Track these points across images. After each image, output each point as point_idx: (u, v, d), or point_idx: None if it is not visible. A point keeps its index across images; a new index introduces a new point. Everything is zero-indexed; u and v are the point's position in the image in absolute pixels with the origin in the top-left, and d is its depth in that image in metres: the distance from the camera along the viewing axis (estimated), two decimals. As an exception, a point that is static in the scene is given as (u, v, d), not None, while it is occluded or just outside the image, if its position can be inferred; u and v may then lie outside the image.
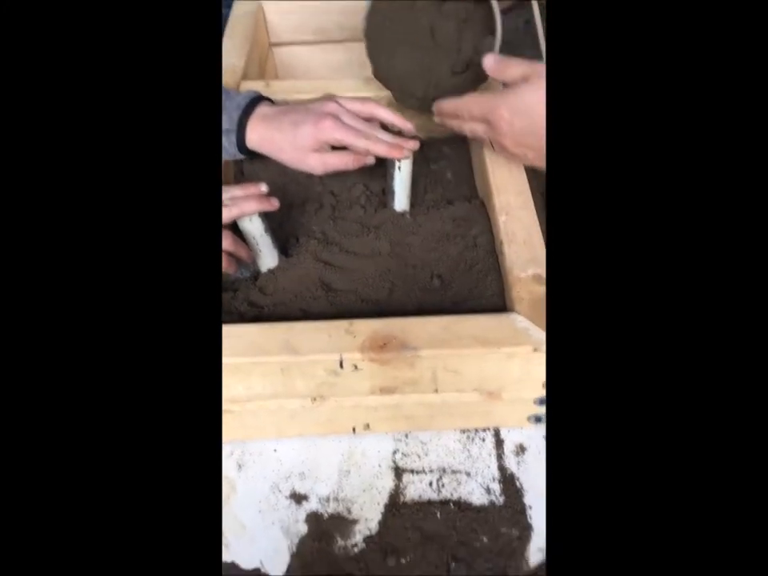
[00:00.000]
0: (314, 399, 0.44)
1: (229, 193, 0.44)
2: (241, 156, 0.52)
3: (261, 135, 0.50)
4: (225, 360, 0.40)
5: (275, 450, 0.48)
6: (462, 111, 0.48)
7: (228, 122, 0.50)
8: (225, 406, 0.44)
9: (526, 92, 0.43)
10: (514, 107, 0.43)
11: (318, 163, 0.50)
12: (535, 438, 0.48)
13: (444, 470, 0.47)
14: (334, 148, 0.50)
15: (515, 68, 0.45)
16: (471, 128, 0.49)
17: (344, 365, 0.40)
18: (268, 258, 0.49)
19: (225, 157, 0.53)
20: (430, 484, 0.46)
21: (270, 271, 0.49)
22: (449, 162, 0.60)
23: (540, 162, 0.46)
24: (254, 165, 0.56)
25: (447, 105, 0.50)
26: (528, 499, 0.45)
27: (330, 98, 0.51)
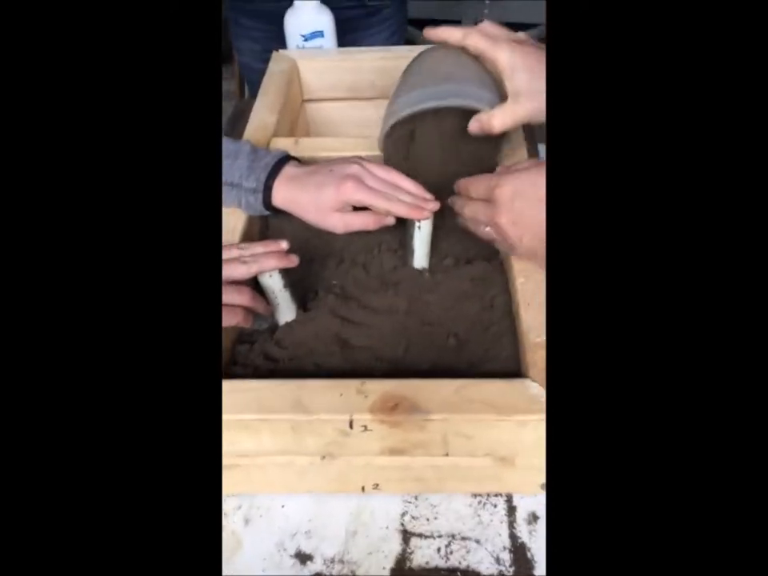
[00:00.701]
0: (324, 457, 0.43)
1: (250, 250, 0.45)
2: (266, 213, 0.54)
3: (285, 195, 0.52)
4: (235, 416, 0.40)
5: (283, 506, 0.48)
6: (470, 189, 0.48)
7: (255, 181, 0.52)
8: (233, 460, 0.44)
9: (530, 173, 0.44)
10: (517, 185, 0.44)
11: (340, 223, 0.51)
12: (549, 508, 0.47)
13: (453, 536, 0.46)
14: (356, 208, 0.51)
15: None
16: (473, 210, 0.48)
17: (353, 425, 0.40)
18: (286, 311, 0.49)
19: (251, 212, 0.55)
20: (438, 550, 0.45)
21: (288, 324, 0.50)
22: None
23: (533, 247, 0.45)
24: (279, 219, 0.57)
25: (462, 182, 0.51)
26: (539, 570, 0.43)
27: (353, 160, 0.52)
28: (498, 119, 0.52)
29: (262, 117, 0.68)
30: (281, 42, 0.88)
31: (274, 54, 0.79)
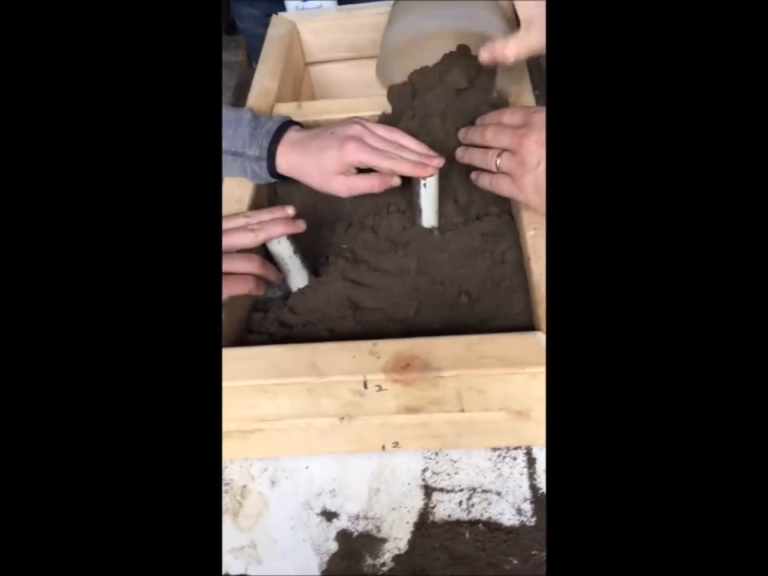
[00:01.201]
0: (342, 418, 0.44)
1: (256, 217, 0.45)
2: (273, 180, 0.54)
3: (289, 161, 0.51)
4: (253, 381, 0.41)
5: (307, 467, 0.49)
6: (489, 138, 0.47)
7: (258, 149, 0.52)
8: (255, 424, 0.45)
9: None
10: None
11: (344, 186, 0.50)
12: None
13: (474, 490, 0.46)
14: (360, 170, 0.51)
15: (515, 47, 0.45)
16: (497, 136, 0.46)
17: (368, 385, 0.41)
18: (297, 278, 0.50)
19: (257, 181, 0.54)
20: (460, 503, 0.46)
21: (300, 291, 0.50)
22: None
23: (543, 180, 0.43)
24: (287, 186, 0.57)
25: (473, 131, 0.49)
26: (561, 521, 0.44)
27: (354, 120, 0.52)
28: (511, 48, 0.48)
29: (263, 83, 0.67)
30: (280, 6, 0.86)
31: (273, 18, 0.78)
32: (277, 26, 0.77)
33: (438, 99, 0.53)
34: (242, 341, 0.48)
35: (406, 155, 0.49)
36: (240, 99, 0.94)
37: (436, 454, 0.48)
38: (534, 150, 0.43)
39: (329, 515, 0.46)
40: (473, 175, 0.50)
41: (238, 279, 0.43)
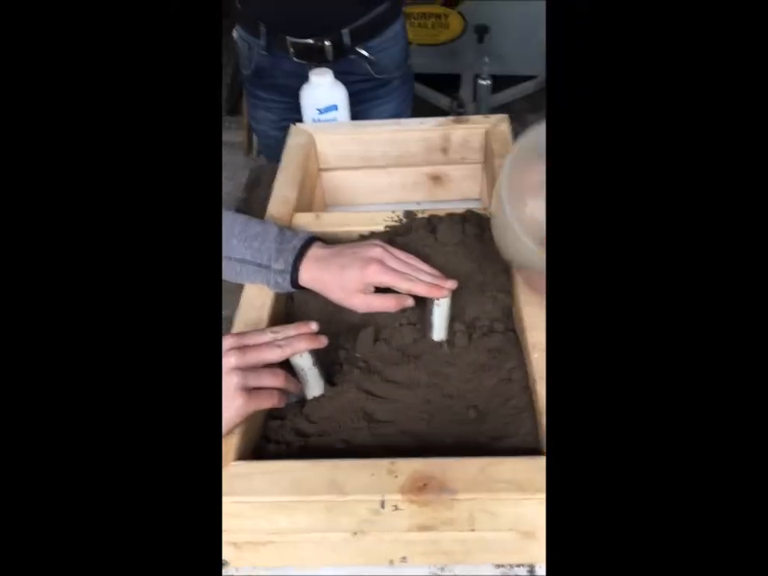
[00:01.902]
0: (355, 533, 0.45)
1: (283, 333, 0.48)
2: (293, 290, 0.57)
3: (312, 275, 0.55)
4: (272, 498, 0.42)
5: (314, 579, 0.49)
6: None
7: (284, 263, 0.55)
8: (268, 537, 0.46)
9: None
10: None
11: (363, 304, 0.54)
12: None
13: (480, 608, 0.47)
14: (378, 288, 0.55)
15: None
16: None
17: (385, 505, 0.42)
18: (314, 387, 0.52)
19: (278, 290, 0.58)
20: (466, 623, 0.46)
21: (316, 399, 0.52)
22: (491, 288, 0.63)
23: None
24: (303, 294, 0.60)
25: None
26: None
27: (375, 243, 0.56)
28: None
29: (283, 192, 0.71)
30: (295, 112, 0.93)
31: (292, 128, 0.84)
32: (295, 135, 0.82)
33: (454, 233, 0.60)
34: (259, 449, 0.49)
35: (422, 277, 0.53)
36: (252, 193, 1.00)
37: (442, 569, 0.49)
38: None
39: (336, 632, 0.46)
40: None
41: (265, 393, 0.45)
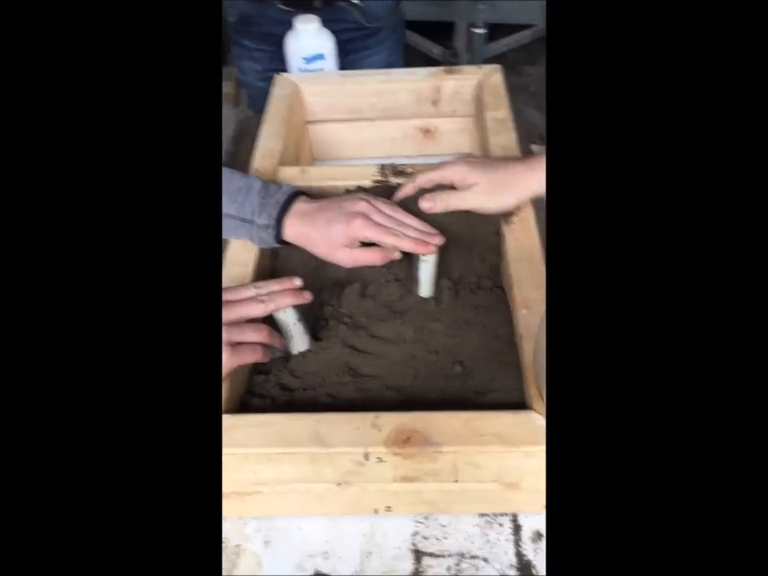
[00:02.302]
0: (340, 484, 0.46)
1: (266, 288, 0.47)
2: (278, 246, 0.56)
3: (296, 231, 0.54)
4: (258, 449, 0.43)
5: (299, 528, 0.50)
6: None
7: (267, 218, 0.54)
8: (254, 487, 0.46)
9: None
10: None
11: (348, 258, 0.53)
12: (552, 526, 0.49)
13: (462, 555, 0.48)
14: (364, 243, 0.54)
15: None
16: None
17: (369, 457, 0.43)
18: (299, 342, 0.52)
19: (263, 246, 0.57)
20: (449, 569, 0.48)
21: (301, 354, 0.52)
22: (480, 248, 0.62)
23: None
24: (288, 250, 0.60)
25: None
26: (544, 589, 0.46)
27: (360, 197, 0.55)
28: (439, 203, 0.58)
29: (268, 144, 0.70)
30: (282, 63, 0.90)
31: (277, 78, 0.81)
32: (280, 86, 0.80)
33: None
34: (244, 403, 0.49)
35: (409, 232, 0.52)
36: (238, 147, 0.97)
37: (426, 518, 0.50)
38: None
39: (321, 578, 0.47)
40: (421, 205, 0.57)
41: (248, 349, 0.45)
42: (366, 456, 0.42)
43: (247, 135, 1.01)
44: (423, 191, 0.58)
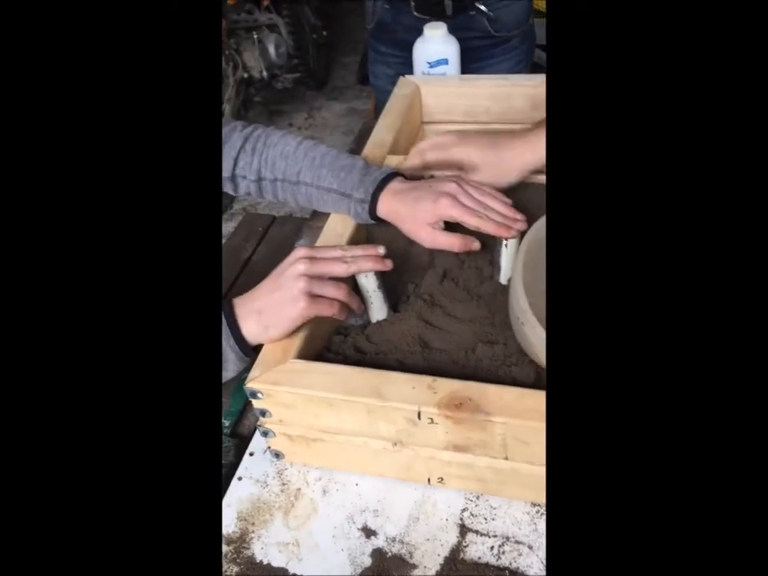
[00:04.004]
0: (395, 444, 0.48)
1: (351, 251, 0.51)
2: (371, 222, 0.60)
3: (388, 207, 0.58)
4: (322, 393, 0.46)
5: (357, 484, 0.53)
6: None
7: (364, 193, 0.59)
8: (318, 434, 0.50)
9: None
10: None
11: (429, 237, 0.56)
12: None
13: (507, 538, 0.48)
14: (450, 226, 0.56)
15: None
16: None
17: (421, 416, 0.44)
18: (378, 311, 0.55)
19: (357, 220, 0.61)
20: (491, 548, 0.48)
21: (378, 323, 0.55)
22: None
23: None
24: (381, 230, 0.63)
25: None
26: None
27: (452, 178, 0.57)
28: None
29: (380, 135, 0.75)
30: (410, 68, 0.95)
31: (401, 79, 0.87)
32: (402, 86, 0.85)
33: None
34: (320, 357, 0.53)
35: (493, 216, 0.54)
36: (359, 145, 1.04)
37: (477, 497, 0.51)
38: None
39: (368, 532, 0.50)
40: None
41: (325, 302, 0.49)
42: (419, 414, 0.44)
43: (368, 135, 1.08)
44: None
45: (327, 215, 0.65)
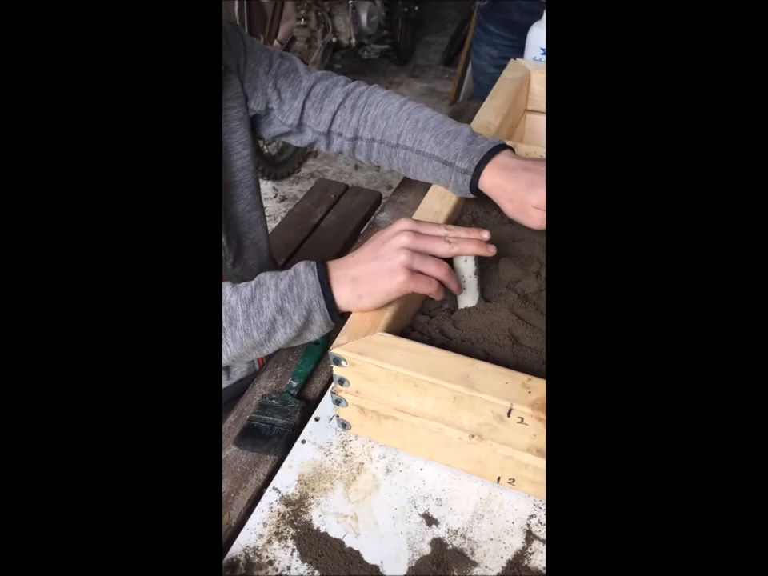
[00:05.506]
0: (473, 436, 0.46)
1: (455, 232, 0.49)
2: (470, 195, 0.58)
3: (494, 182, 0.55)
4: (408, 371, 0.44)
5: (422, 469, 0.51)
6: None
7: (468, 163, 0.55)
8: (392, 412, 0.49)
9: None
10: None
11: (538, 220, 0.53)
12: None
13: (575, 554, 0.46)
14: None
15: None
16: None
17: (512, 414, 0.42)
18: (469, 297, 0.53)
19: (456, 193, 0.58)
20: (558, 561, 0.46)
21: (467, 309, 0.53)
22: None
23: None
24: (483, 212, 0.61)
25: None
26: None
27: None
28: None
29: (487, 117, 0.72)
30: (518, 52, 0.91)
31: (511, 62, 0.83)
32: (512, 69, 0.81)
33: None
34: (403, 334, 0.52)
35: None
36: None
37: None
38: None
39: (430, 520, 0.48)
40: None
41: (425, 279, 0.47)
42: (509, 412, 0.42)
43: (461, 118, 1.04)
44: None
45: (412, 189, 0.62)
